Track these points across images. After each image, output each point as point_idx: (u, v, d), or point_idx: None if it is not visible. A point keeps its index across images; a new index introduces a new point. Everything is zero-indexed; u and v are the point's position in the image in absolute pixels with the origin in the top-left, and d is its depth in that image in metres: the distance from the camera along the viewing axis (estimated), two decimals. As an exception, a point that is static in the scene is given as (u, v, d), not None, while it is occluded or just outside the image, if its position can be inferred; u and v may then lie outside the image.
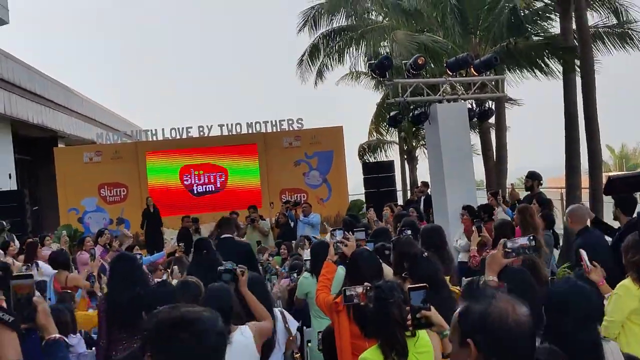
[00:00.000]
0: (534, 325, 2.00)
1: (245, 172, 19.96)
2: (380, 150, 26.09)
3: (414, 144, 25.32)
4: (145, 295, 5.12)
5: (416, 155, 25.55)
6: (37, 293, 2.83)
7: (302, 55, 22.52)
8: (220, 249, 7.54)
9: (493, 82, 12.63)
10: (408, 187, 25.17)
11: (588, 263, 4.82)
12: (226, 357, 2.18)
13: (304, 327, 6.93)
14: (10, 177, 18.89)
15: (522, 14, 15.52)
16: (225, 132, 19.78)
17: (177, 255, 9.64)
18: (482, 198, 13.52)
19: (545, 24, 16.73)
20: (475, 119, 13.18)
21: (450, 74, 12.24)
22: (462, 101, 12.05)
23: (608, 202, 9.94)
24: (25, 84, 20.04)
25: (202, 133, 19.78)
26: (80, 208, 19.09)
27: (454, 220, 10.42)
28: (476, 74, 12.22)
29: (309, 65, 22.54)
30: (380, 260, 5.00)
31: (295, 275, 8.04)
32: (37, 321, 2.76)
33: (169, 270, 8.40)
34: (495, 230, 7.39)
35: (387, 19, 21.66)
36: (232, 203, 18.16)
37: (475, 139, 18.45)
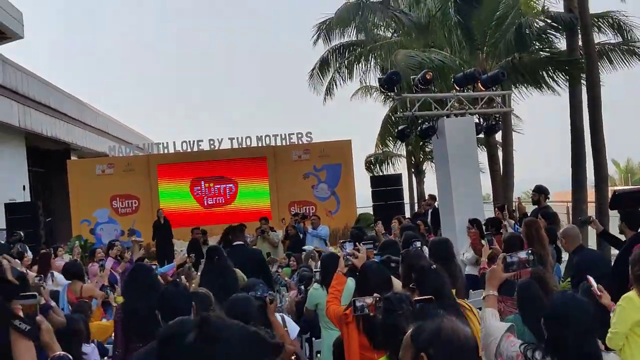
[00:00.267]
0: (475, 343, 2.25)
1: (255, 185, 20.17)
2: (387, 164, 26.17)
3: (421, 158, 25.40)
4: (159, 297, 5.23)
5: (423, 168, 25.59)
6: (53, 304, 2.93)
7: (313, 69, 22.73)
8: (232, 256, 7.62)
9: (500, 97, 12.73)
10: (415, 200, 25.21)
11: (597, 289, 4.80)
12: None
13: (313, 338, 7.06)
14: (24, 189, 19.15)
15: (529, 30, 15.67)
16: (236, 145, 19.95)
17: (187, 265, 9.76)
18: (489, 212, 13.65)
19: (552, 40, 16.87)
20: (482, 134, 13.30)
21: (458, 88, 12.36)
22: (470, 116, 12.13)
23: (614, 216, 10.05)
24: (40, 97, 20.36)
25: (212, 146, 20.00)
26: (92, 219, 19.32)
27: (461, 233, 10.43)
28: (483, 89, 12.32)
29: (320, 78, 22.72)
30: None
31: (302, 287, 8.06)
32: (41, 339, 2.83)
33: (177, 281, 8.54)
34: (505, 244, 7.35)
35: (395, 35, 21.82)
36: (241, 215, 18.33)
37: (481, 155, 18.54)
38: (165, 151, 20.01)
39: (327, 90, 22.87)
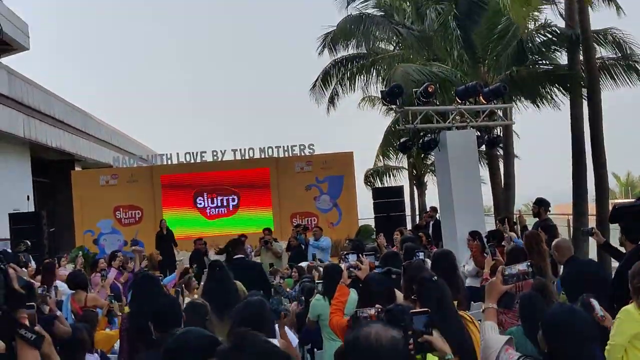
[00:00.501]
0: (398, 344, 2.34)
1: (257, 196, 20.26)
2: (388, 176, 26.22)
3: (422, 170, 25.46)
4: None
5: (425, 180, 25.61)
6: (59, 313, 2.98)
7: (315, 81, 22.85)
8: (234, 269, 7.64)
9: (501, 110, 12.80)
10: (417, 212, 25.25)
11: (600, 312, 4.79)
12: None
13: (315, 349, 7.12)
14: (28, 199, 19.23)
15: (530, 44, 15.78)
16: (239, 157, 20.11)
17: (188, 275, 9.83)
18: (490, 224, 13.72)
19: (553, 55, 16.99)
20: (484, 146, 13.36)
21: (460, 101, 12.44)
22: (471, 128, 12.20)
23: (614, 229, 10.10)
24: (44, 108, 20.50)
25: (215, 157, 20.12)
26: (95, 230, 19.41)
27: (463, 245, 10.46)
28: (485, 102, 12.37)
29: (323, 90, 22.84)
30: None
31: (303, 298, 8.09)
32: (41, 350, 2.85)
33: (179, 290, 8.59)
34: (507, 256, 7.42)
35: (397, 48, 21.95)
36: (244, 225, 18.46)
37: (483, 167, 18.61)
38: (169, 162, 20.13)
39: (329, 101, 22.99)
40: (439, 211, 13.80)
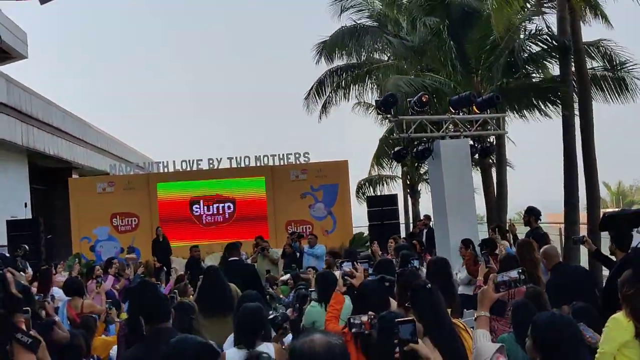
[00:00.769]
0: (334, 348, 2.46)
1: (253, 204, 20.41)
2: (381, 185, 26.30)
3: (416, 178, 25.57)
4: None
5: (419, 189, 25.72)
6: (57, 319, 3.02)
7: (310, 90, 23.00)
8: (229, 270, 8.26)
9: (494, 120, 12.90)
10: (411, 220, 25.32)
11: (592, 336, 4.85)
12: None
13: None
14: (25, 206, 19.31)
15: (522, 55, 15.91)
16: (234, 165, 20.28)
17: (184, 282, 9.95)
18: (483, 232, 13.83)
19: (545, 65, 17.13)
20: (477, 156, 13.45)
21: (453, 111, 12.52)
22: (465, 138, 12.30)
23: (605, 237, 10.23)
24: (42, 116, 20.57)
25: (211, 165, 20.28)
26: (92, 237, 19.53)
27: (456, 253, 10.54)
28: (478, 111, 12.47)
29: (316, 99, 22.98)
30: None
31: (297, 305, 8.07)
32: (36, 355, 2.86)
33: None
34: (500, 264, 7.49)
35: (391, 58, 22.11)
36: (239, 233, 18.55)
37: (476, 176, 18.73)
38: (165, 170, 20.27)
39: (322, 110, 23.13)
40: (432, 219, 13.90)
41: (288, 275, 11.83)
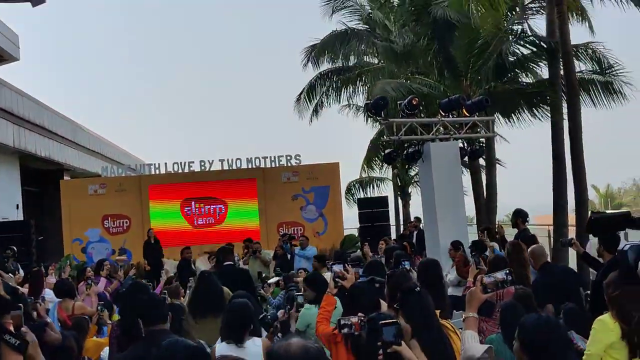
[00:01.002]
0: (309, 351, 2.50)
1: (245, 206, 20.46)
2: (371, 187, 26.35)
3: (407, 181, 25.66)
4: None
5: (409, 191, 25.78)
6: (49, 320, 2.98)
7: (300, 94, 23.08)
8: (223, 274, 8.35)
9: (484, 123, 12.99)
10: (401, 222, 25.38)
11: (579, 343, 4.85)
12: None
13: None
14: (17, 208, 19.34)
15: (511, 59, 16.02)
16: (226, 167, 20.30)
17: (175, 284, 10.01)
18: (472, 234, 13.92)
19: (534, 68, 17.25)
20: (467, 158, 13.56)
21: (443, 114, 12.61)
22: (454, 140, 12.40)
23: (593, 239, 10.29)
24: (34, 118, 20.56)
25: (203, 167, 20.28)
26: (84, 238, 19.55)
27: (446, 255, 10.66)
28: (467, 114, 12.58)
29: (307, 103, 23.07)
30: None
31: (288, 307, 8.29)
32: (27, 353, 2.87)
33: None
34: (490, 265, 7.49)
35: (380, 62, 22.21)
36: (231, 235, 18.59)
37: (465, 178, 18.82)
38: (157, 172, 20.31)
39: (313, 113, 23.22)
40: (422, 221, 13.98)
41: (276, 278, 11.88)
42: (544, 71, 16.77)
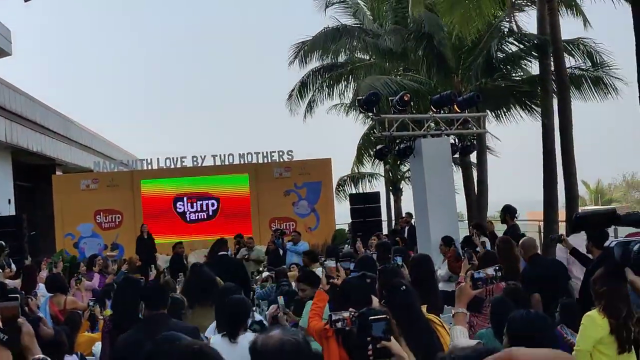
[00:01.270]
0: (285, 344, 2.59)
1: (237, 201, 20.51)
2: (363, 182, 26.32)
3: (398, 176, 25.71)
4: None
5: (401, 187, 25.82)
6: (42, 315, 2.91)
7: (292, 91, 23.06)
8: (217, 264, 8.63)
9: (475, 119, 13.03)
10: (393, 218, 25.45)
11: (570, 337, 4.94)
12: (231, 354, 2.71)
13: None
14: (9, 203, 19.31)
15: (501, 55, 16.07)
16: (218, 162, 20.33)
17: (167, 277, 10.08)
18: (463, 230, 13.97)
19: (526, 65, 17.33)
20: (458, 154, 13.58)
21: (435, 110, 12.64)
22: (446, 136, 12.41)
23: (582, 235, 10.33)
24: (26, 113, 20.49)
25: (195, 163, 20.34)
26: (76, 233, 19.57)
27: (437, 250, 10.58)
28: (459, 110, 12.59)
29: (298, 100, 23.05)
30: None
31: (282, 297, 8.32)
32: (21, 342, 2.80)
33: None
34: (480, 261, 7.56)
35: (373, 58, 22.24)
36: (223, 230, 18.59)
37: (457, 174, 18.87)
38: (149, 167, 20.34)
39: (307, 109, 23.20)
40: (414, 217, 14.02)
41: (267, 274, 11.92)
42: (534, 68, 16.84)
